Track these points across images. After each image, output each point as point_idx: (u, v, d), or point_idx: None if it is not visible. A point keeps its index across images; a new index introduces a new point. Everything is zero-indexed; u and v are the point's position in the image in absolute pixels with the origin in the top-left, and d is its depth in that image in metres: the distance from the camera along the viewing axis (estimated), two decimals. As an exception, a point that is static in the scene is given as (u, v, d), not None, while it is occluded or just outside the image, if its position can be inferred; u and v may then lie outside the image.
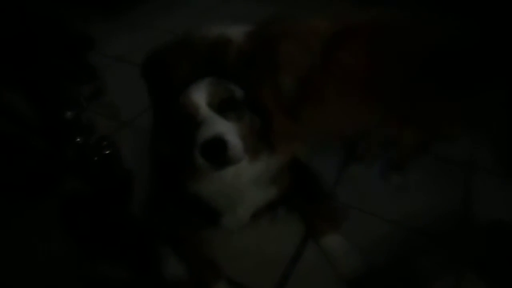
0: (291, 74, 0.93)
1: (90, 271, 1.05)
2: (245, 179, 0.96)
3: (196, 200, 1.02)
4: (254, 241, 1.19)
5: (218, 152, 0.81)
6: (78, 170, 1.00)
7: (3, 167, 1.16)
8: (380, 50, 0.93)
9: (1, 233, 1.16)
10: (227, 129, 0.84)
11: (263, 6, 2.64)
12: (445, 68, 0.91)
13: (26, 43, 0.84)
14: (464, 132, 1.65)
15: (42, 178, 1.17)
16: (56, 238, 1.12)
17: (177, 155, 0.91)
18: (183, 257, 1.09)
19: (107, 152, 0.97)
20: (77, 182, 1.04)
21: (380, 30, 0.94)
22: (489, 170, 1.55)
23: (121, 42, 2.17)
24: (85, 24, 1.53)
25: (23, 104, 0.92)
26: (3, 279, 1.06)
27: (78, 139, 0.92)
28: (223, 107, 0.88)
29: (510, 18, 1.05)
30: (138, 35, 2.25)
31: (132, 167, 1.22)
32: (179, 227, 1.12)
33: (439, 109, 1.00)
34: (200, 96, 0.87)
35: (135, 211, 1.13)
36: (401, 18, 0.98)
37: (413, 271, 1.17)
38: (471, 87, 0.96)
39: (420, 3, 1.14)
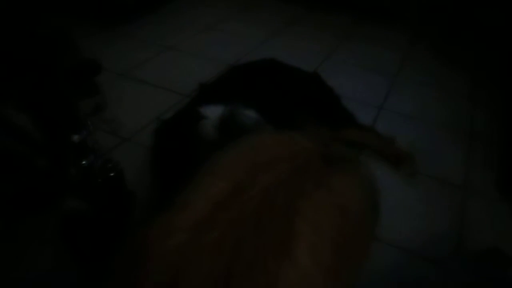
0: None
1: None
2: None
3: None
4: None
5: None
6: (81, 191, 1.01)
7: (4, 182, 1.17)
8: None
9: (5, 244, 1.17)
10: None
11: (262, 26, 2.69)
12: None
13: (37, 67, 0.86)
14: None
15: (42, 196, 1.17)
16: (54, 254, 1.12)
17: None
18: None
19: (112, 174, 0.98)
20: (79, 202, 1.05)
21: None
22: (484, 193, 1.58)
23: (121, 57, 2.18)
24: (86, 38, 1.55)
25: (30, 124, 0.94)
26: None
27: (84, 162, 0.93)
28: None
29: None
30: (135, 50, 2.27)
31: (132, 186, 1.23)
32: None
33: None
34: None
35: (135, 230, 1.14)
36: None
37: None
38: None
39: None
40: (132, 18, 2.52)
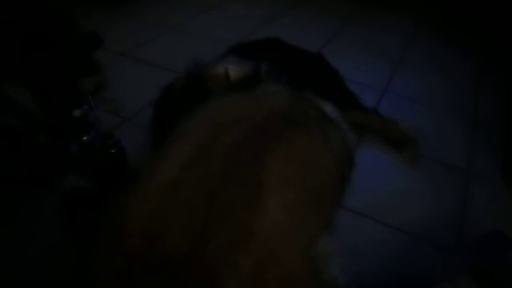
0: None
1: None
2: None
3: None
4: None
5: None
6: (82, 168, 1.00)
7: (5, 160, 1.16)
8: None
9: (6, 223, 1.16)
10: None
11: (265, 7, 2.65)
12: None
13: (37, 40, 0.84)
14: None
15: (43, 173, 1.16)
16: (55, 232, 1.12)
17: None
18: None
19: (113, 151, 0.97)
20: (80, 179, 1.04)
21: None
22: (487, 178, 1.57)
23: (122, 37, 2.15)
24: (86, 18, 1.53)
25: (30, 100, 0.92)
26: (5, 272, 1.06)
27: (85, 138, 0.91)
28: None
29: None
30: (139, 30, 2.24)
31: (133, 165, 1.22)
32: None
33: None
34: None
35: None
36: None
37: (410, 276, 1.19)
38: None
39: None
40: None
